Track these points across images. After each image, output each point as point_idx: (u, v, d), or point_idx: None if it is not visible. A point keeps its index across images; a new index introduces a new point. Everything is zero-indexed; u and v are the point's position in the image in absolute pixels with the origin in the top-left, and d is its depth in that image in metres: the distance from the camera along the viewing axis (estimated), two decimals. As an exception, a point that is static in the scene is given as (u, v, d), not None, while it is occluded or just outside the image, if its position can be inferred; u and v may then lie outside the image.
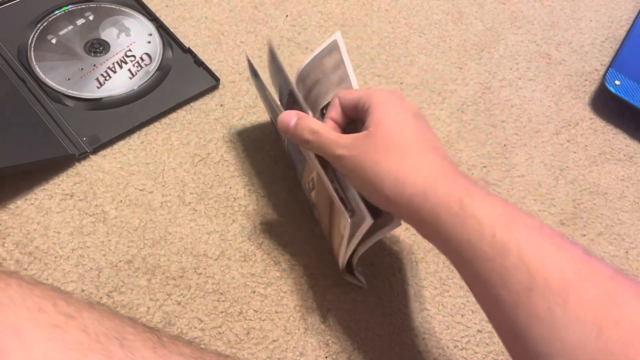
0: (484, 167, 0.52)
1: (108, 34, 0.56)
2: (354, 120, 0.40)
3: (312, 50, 0.59)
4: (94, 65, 0.53)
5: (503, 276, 0.28)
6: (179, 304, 0.42)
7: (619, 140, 0.56)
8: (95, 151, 0.49)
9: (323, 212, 0.43)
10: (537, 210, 0.50)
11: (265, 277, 0.44)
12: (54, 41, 0.55)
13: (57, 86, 0.51)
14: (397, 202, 0.32)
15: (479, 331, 0.43)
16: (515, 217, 0.29)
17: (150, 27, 0.57)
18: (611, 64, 0.58)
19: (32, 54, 0.53)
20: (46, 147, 0.47)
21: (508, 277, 0.28)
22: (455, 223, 0.30)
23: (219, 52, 0.57)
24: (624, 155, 0.55)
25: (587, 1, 0.68)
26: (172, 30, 0.57)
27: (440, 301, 0.44)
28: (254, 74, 0.46)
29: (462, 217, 0.30)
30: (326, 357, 0.41)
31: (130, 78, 0.53)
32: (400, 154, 0.33)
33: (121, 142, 0.50)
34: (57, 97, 0.51)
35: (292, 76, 0.45)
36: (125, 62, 0.54)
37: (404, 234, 0.48)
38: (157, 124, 0.51)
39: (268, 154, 0.51)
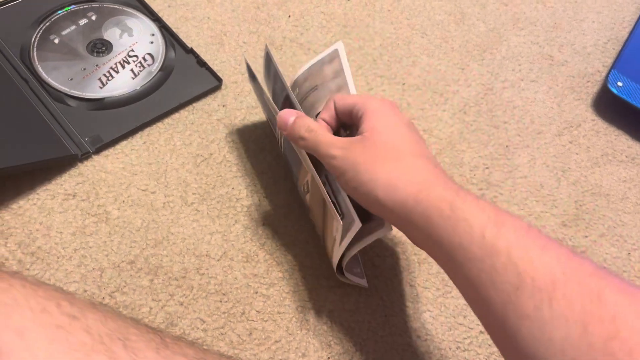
0: (486, 168, 0.52)
1: (111, 34, 0.56)
2: (346, 125, 0.40)
3: (314, 51, 0.59)
4: (97, 65, 0.54)
5: (493, 277, 0.28)
6: (181, 304, 0.42)
7: (621, 141, 0.56)
8: (97, 151, 0.49)
9: (317, 215, 0.43)
10: (539, 211, 0.50)
11: (267, 278, 0.44)
12: (56, 41, 0.55)
13: (60, 86, 0.51)
14: (389, 206, 0.33)
15: (481, 332, 0.43)
16: (504, 219, 0.30)
17: (153, 27, 0.57)
18: (613, 66, 0.58)
19: (35, 53, 0.53)
20: (48, 147, 0.47)
21: (498, 277, 0.28)
22: (447, 226, 0.30)
23: (221, 53, 0.57)
24: (626, 156, 0.55)
25: (590, 3, 0.68)
26: (174, 30, 0.57)
27: (443, 302, 0.44)
28: (252, 77, 0.46)
29: (453, 220, 0.30)
30: (328, 358, 0.41)
31: (133, 78, 0.53)
32: (394, 159, 0.34)
33: (124, 143, 0.50)
34: (59, 97, 0.51)
35: (288, 81, 0.45)
36: (128, 62, 0.54)
37: (406, 235, 0.48)
38: (159, 124, 0.51)
39: (270, 154, 0.51)
